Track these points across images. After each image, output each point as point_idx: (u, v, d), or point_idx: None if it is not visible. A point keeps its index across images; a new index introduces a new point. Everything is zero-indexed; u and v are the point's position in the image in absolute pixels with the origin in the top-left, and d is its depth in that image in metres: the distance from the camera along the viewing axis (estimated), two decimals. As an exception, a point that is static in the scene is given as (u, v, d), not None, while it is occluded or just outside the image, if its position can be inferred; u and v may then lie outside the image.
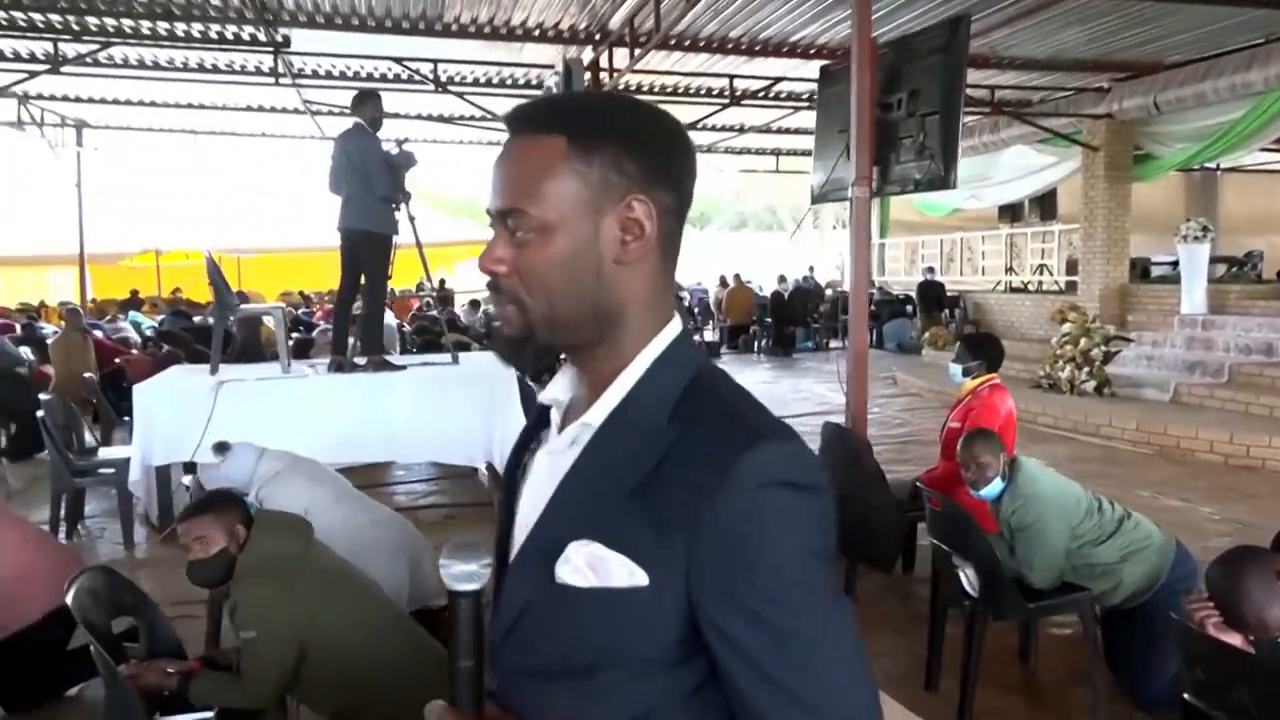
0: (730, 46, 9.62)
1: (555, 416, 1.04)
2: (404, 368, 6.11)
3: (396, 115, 12.20)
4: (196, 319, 12.90)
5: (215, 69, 10.54)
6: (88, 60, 9.54)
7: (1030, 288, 15.56)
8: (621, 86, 9.77)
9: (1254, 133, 10.68)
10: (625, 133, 0.94)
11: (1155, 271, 13.84)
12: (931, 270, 17.35)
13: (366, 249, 5.82)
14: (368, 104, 5.82)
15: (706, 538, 0.84)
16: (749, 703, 0.85)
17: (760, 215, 38.28)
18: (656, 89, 11.61)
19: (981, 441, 3.52)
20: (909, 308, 16.86)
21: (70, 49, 9.42)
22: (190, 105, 12.71)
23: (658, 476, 0.88)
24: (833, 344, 17.38)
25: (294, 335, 9.71)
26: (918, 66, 4.96)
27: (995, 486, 3.49)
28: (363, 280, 5.95)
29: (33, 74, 10.08)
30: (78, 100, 12.55)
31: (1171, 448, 7.89)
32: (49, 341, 9.90)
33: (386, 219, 5.83)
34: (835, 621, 0.86)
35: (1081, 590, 3.39)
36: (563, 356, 1.02)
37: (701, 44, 9.51)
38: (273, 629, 2.53)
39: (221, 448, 3.88)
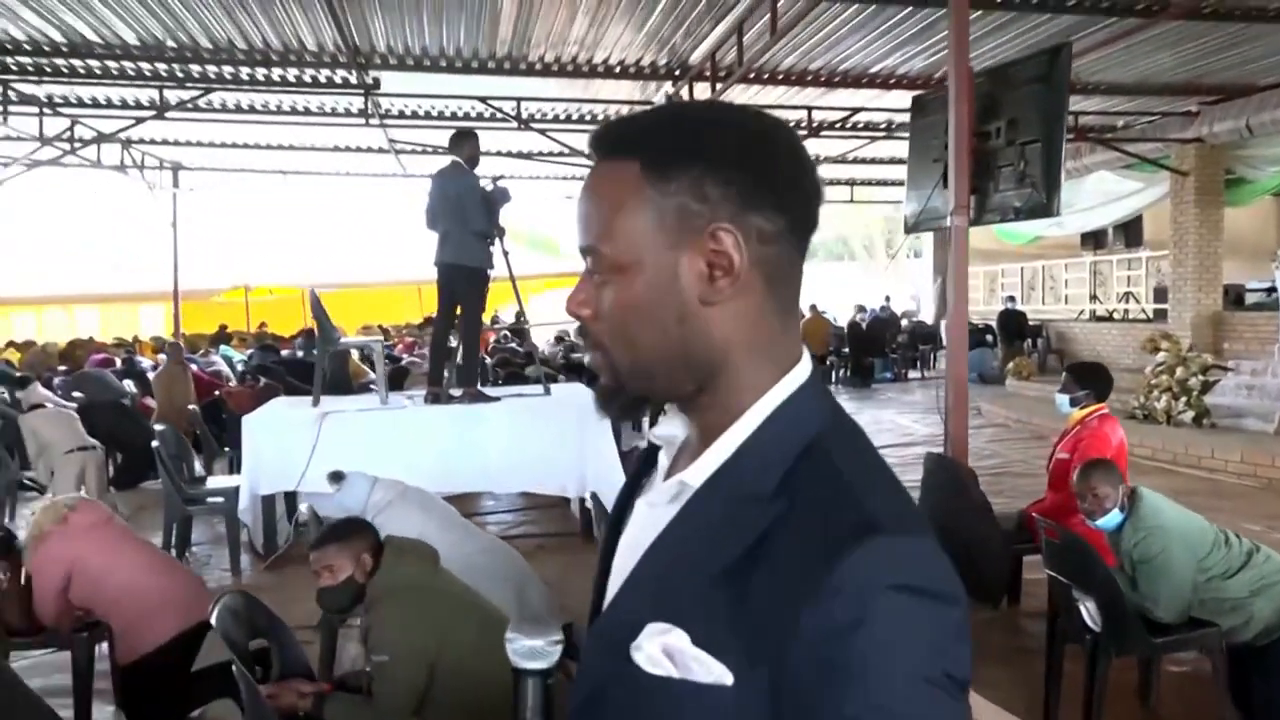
0: (810, 79, 9.66)
1: (664, 460, 0.91)
2: (498, 399, 6.21)
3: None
4: (284, 352, 13.27)
5: (307, 111, 10.96)
6: (189, 105, 10.00)
7: (1115, 316, 15.20)
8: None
9: (1354, 154, 10.35)
10: (709, 151, 0.81)
11: (1250, 298, 13.40)
12: (1012, 299, 17.07)
13: (462, 283, 5.96)
14: (466, 143, 5.98)
15: (800, 646, 0.70)
16: None
17: (831, 245, 38.10)
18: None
19: (1100, 472, 3.45)
20: (989, 337, 16.59)
21: (174, 95, 9.87)
22: (280, 146, 13.19)
23: (753, 559, 0.74)
24: (911, 374, 17.16)
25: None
26: (1016, 95, 4.94)
27: (1113, 518, 3.41)
28: (458, 313, 6.09)
29: (139, 120, 10.61)
30: (175, 143, 13.14)
31: (1280, 480, 7.59)
32: (150, 375, 10.28)
33: (482, 254, 5.96)
34: None
35: (1210, 625, 3.29)
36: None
37: (781, 77, 9.57)
38: (405, 652, 2.59)
39: (337, 477, 3.99)
